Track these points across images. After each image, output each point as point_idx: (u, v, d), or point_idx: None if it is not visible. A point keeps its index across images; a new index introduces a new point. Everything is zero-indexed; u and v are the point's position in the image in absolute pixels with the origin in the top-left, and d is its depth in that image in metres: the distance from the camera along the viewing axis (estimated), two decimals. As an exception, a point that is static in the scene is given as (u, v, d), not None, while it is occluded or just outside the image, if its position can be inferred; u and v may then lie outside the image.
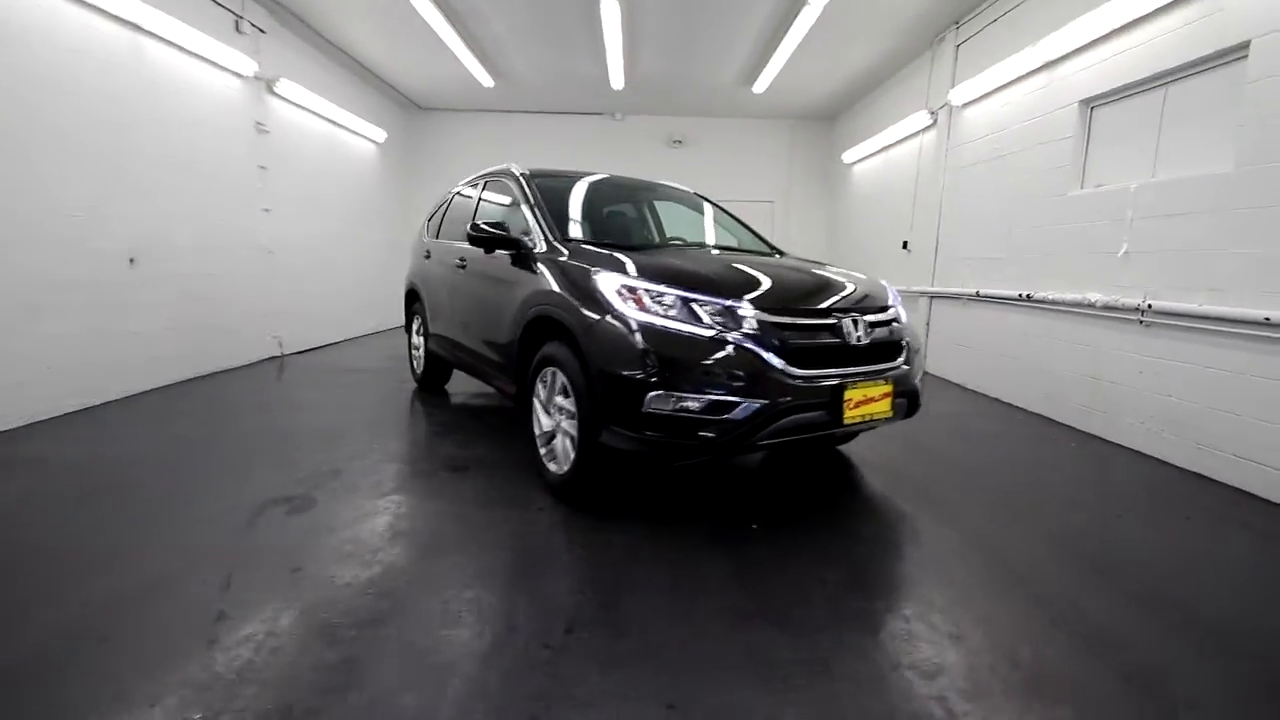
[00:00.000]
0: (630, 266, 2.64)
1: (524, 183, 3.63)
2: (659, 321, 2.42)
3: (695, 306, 2.45)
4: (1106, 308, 4.11)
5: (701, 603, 2.04)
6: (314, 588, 2.05)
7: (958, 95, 6.05)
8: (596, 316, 2.53)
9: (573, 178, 3.92)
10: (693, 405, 2.34)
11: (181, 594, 1.99)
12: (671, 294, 2.47)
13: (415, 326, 5.21)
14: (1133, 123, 4.12)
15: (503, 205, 4.41)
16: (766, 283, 2.67)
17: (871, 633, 1.91)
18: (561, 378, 2.75)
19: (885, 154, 8.07)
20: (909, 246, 7.28)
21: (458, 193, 4.82)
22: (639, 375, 2.36)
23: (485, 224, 3.33)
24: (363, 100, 8.31)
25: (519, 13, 6.28)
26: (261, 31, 6.03)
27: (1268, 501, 3.07)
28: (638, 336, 2.40)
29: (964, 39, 6.11)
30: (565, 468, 2.79)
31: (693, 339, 2.38)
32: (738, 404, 2.35)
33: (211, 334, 5.47)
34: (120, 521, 2.52)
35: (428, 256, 4.84)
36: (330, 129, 7.61)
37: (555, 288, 2.83)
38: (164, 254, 4.88)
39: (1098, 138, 4.45)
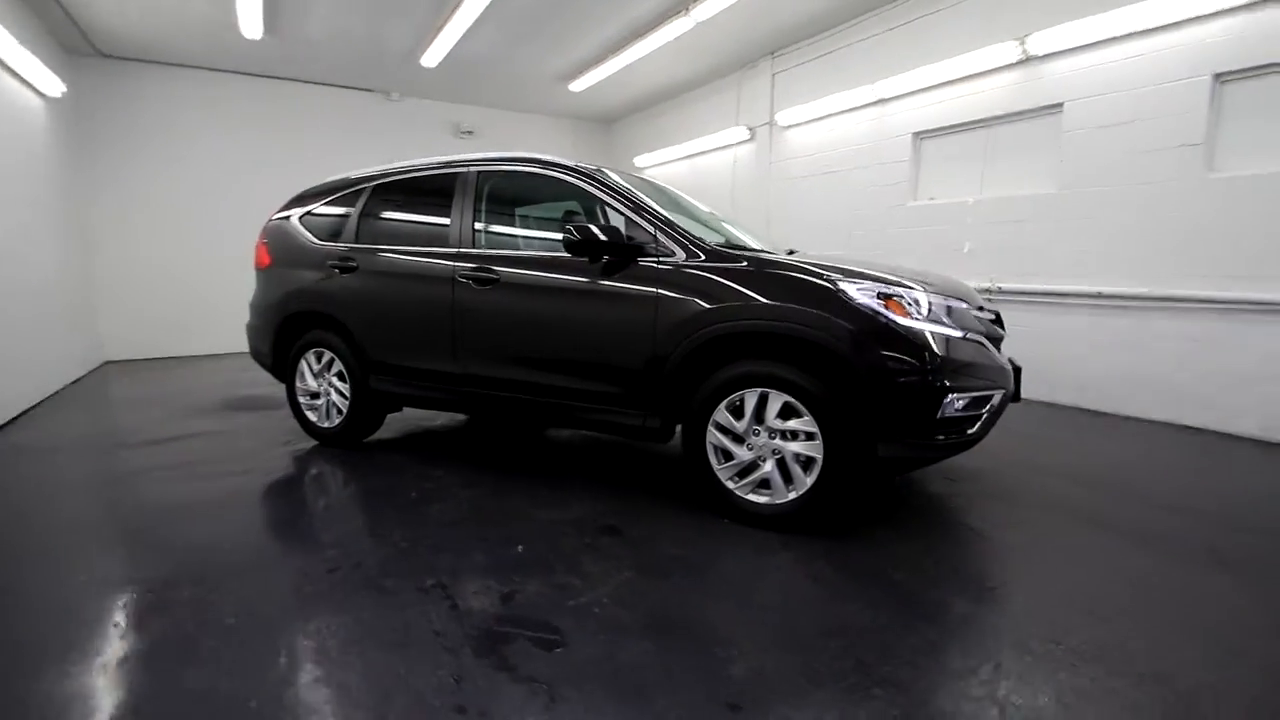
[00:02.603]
0: (866, 273, 2.51)
1: (609, 181, 3.00)
2: (927, 326, 2.39)
3: (937, 308, 2.49)
4: (957, 291, 5.47)
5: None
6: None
7: (784, 118, 7.05)
8: (862, 327, 2.35)
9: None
10: (971, 403, 2.40)
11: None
12: (923, 298, 2.45)
13: (315, 366, 3.73)
14: (960, 152, 5.53)
15: (514, 207, 3.60)
16: (937, 280, 2.85)
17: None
18: (783, 398, 2.47)
19: (692, 161, 8.84)
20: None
21: (383, 184, 3.63)
22: (936, 381, 2.31)
23: (597, 231, 2.70)
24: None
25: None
26: None
27: (1086, 410, 4.63)
28: (925, 342, 2.34)
29: (782, 69, 7.14)
30: (789, 495, 2.51)
31: (955, 339, 2.43)
32: (991, 395, 2.50)
33: None
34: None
35: (344, 270, 3.53)
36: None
37: (768, 300, 2.48)
38: None
39: (927, 161, 5.82)
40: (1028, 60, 4.86)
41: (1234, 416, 4.04)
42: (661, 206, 2.94)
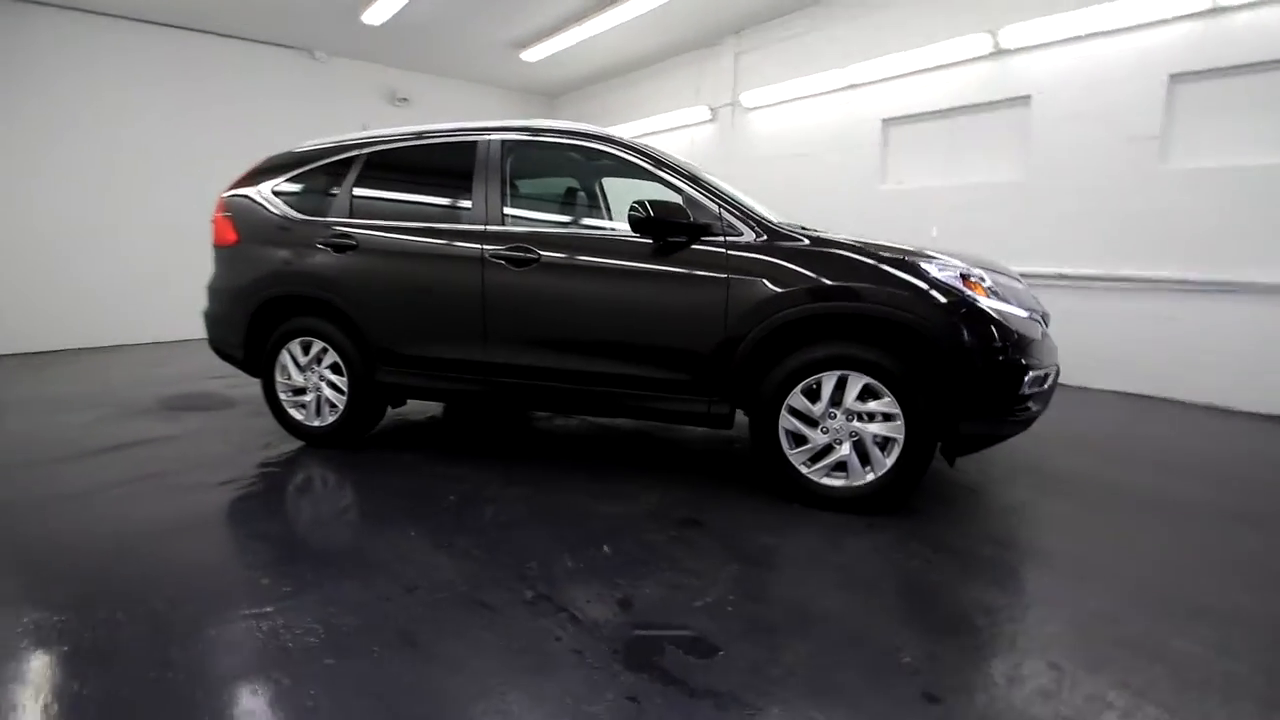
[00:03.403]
0: (939, 254, 2.51)
1: (652, 153, 2.83)
2: (1002, 305, 2.44)
3: (1004, 287, 2.55)
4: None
5: None
6: None
7: (749, 99, 7.04)
8: (948, 307, 2.35)
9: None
10: (1039, 379, 2.49)
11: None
12: (989, 277, 2.50)
13: (301, 357, 3.27)
14: (928, 139, 5.75)
15: (543, 180, 3.34)
16: (984, 262, 2.92)
17: None
18: (863, 380, 2.44)
19: (645, 140, 8.64)
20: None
21: (379, 153, 3.24)
22: (1018, 358, 2.36)
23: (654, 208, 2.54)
24: None
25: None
26: None
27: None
28: (1006, 320, 2.38)
29: (746, 49, 7.12)
30: (867, 477, 2.50)
31: (1024, 317, 2.50)
32: (1049, 372, 2.61)
33: None
34: None
35: (339, 249, 3.12)
36: None
37: (852, 282, 2.43)
38: None
39: (895, 148, 6.02)
40: (999, 53, 5.12)
41: (1180, 386, 4.52)
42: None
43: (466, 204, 3.01)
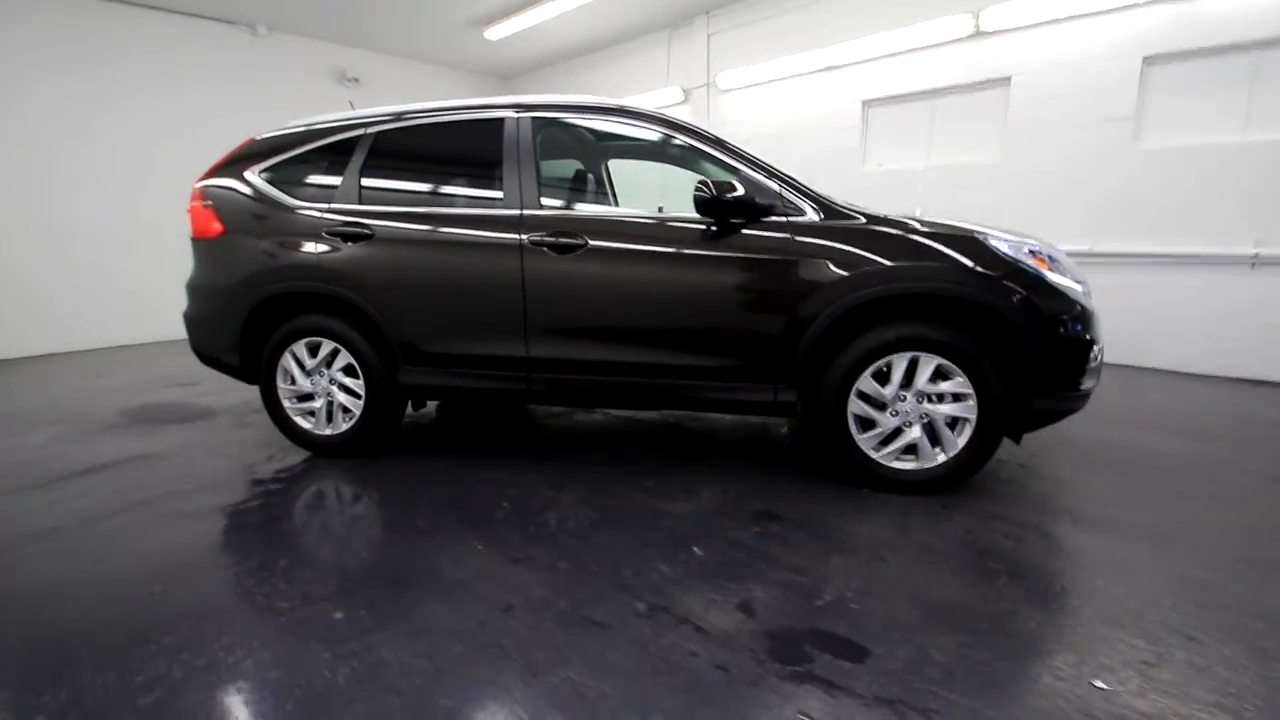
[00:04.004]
0: (1002, 231, 2.49)
1: (704, 131, 2.69)
2: (1066, 280, 2.45)
3: (1059, 263, 2.57)
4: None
5: None
6: None
7: (725, 80, 6.95)
8: (1021, 284, 2.34)
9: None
10: (1100, 353, 2.53)
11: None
12: (1046, 252, 2.51)
13: (308, 360, 2.96)
14: (908, 120, 5.83)
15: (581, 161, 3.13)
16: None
17: None
18: (935, 361, 2.41)
19: (614, 124, 8.43)
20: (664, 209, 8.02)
21: (389, 132, 2.95)
22: (1085, 334, 2.39)
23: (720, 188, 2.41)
24: None
25: None
26: None
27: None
28: (1075, 296, 2.40)
29: (718, 30, 7.01)
30: (938, 459, 2.48)
31: (1082, 291, 2.53)
32: (1103, 347, 2.66)
33: None
34: None
35: (351, 239, 2.82)
36: None
37: (926, 261, 2.39)
38: None
39: (875, 129, 6.08)
40: (979, 35, 5.22)
41: (1148, 354, 4.80)
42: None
43: (494, 187, 2.79)
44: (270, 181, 3.02)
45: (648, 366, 2.67)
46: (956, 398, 2.45)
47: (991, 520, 2.33)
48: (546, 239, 2.65)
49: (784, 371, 2.55)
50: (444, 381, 2.87)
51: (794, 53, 6.29)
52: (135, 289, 6.52)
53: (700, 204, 2.46)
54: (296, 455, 3.10)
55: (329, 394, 2.99)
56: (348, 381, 2.96)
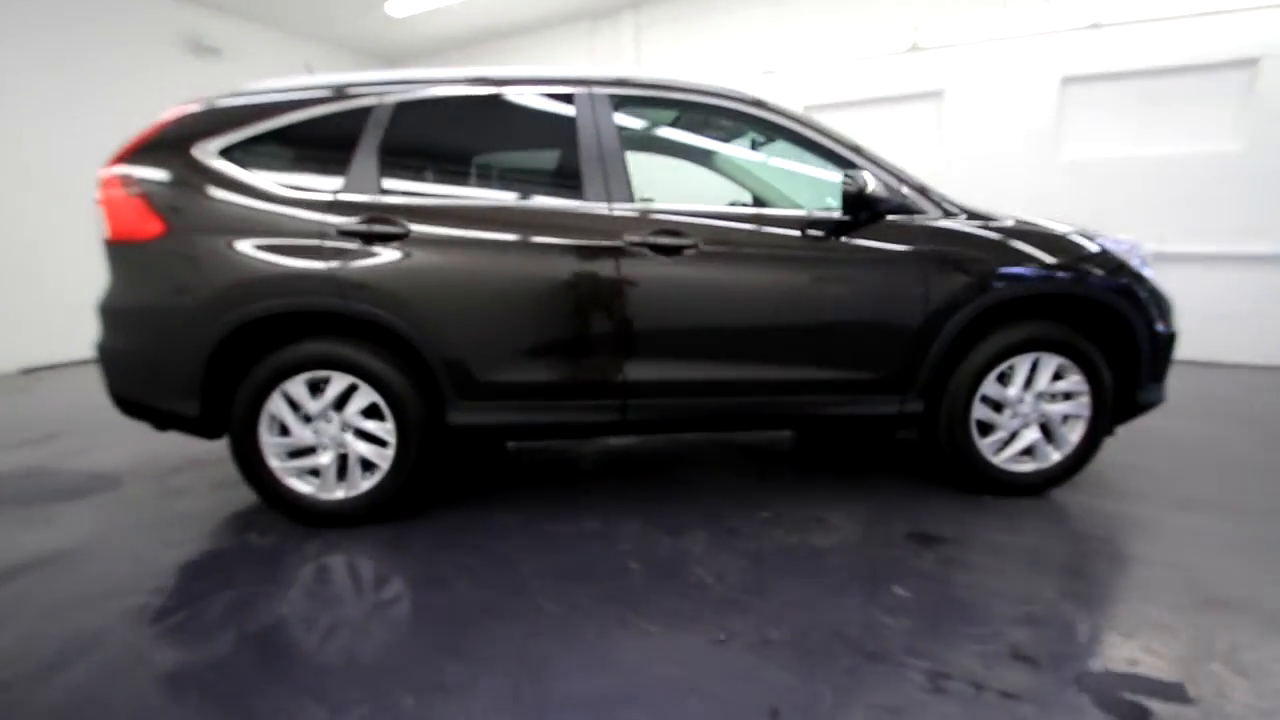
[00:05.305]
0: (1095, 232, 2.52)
1: (814, 121, 2.42)
2: (1155, 276, 2.55)
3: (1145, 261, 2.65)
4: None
5: None
6: None
7: (657, 77, 6.72)
8: (1131, 283, 2.39)
9: None
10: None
11: None
12: (1140, 251, 2.57)
13: (311, 405, 2.19)
14: (848, 129, 6.03)
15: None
16: None
17: None
18: (1055, 361, 2.39)
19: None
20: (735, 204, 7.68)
21: (419, 102, 2.31)
22: (1173, 329, 2.49)
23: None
24: None
25: None
26: None
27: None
28: (1166, 294, 2.49)
29: (647, 24, 6.77)
30: (1054, 458, 2.46)
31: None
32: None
33: None
34: None
35: (376, 240, 2.15)
36: None
37: (1050, 261, 2.34)
38: None
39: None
40: (916, 49, 5.55)
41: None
42: None
43: (569, 177, 2.29)
44: (238, 163, 2.22)
45: (765, 384, 2.35)
46: (1067, 396, 2.45)
47: (1129, 521, 2.33)
48: (650, 239, 2.22)
49: (911, 380, 2.38)
50: (510, 418, 2.30)
51: (730, 56, 6.26)
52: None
53: (849, 200, 2.20)
54: (287, 531, 2.31)
55: (340, 444, 2.27)
56: (369, 426, 2.26)
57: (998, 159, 5.43)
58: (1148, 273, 2.49)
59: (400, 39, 7.53)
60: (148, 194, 2.18)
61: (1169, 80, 4.79)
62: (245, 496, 2.61)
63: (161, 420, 2.29)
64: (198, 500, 2.63)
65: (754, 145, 3.01)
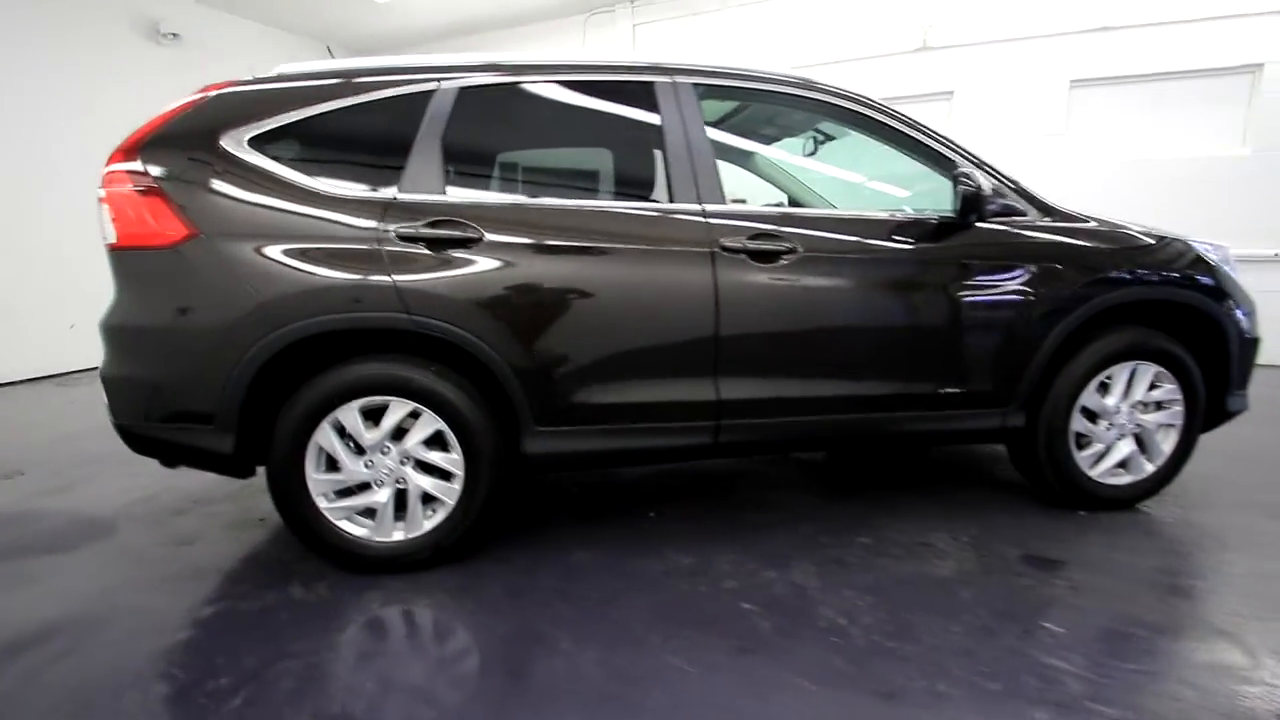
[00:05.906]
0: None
1: (908, 117, 2.29)
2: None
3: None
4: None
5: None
6: None
7: (656, 74, 6.51)
8: (1225, 288, 2.34)
9: None
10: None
11: None
12: (1228, 256, 2.51)
13: (367, 435, 1.89)
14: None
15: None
16: None
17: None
18: (1153, 369, 2.30)
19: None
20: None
21: (486, 87, 2.05)
22: (1257, 335, 2.44)
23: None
24: None
25: None
26: None
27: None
28: (1250, 296, 2.43)
29: (644, 21, 6.55)
30: (1148, 470, 2.37)
31: None
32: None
33: None
34: None
35: (444, 246, 1.87)
36: None
37: (1159, 266, 2.28)
38: None
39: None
40: (925, 49, 5.50)
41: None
42: None
43: (652, 175, 2.08)
44: (274, 156, 1.91)
45: (864, 400, 2.18)
46: (1160, 405, 2.37)
47: (1248, 532, 2.26)
48: (747, 243, 2.01)
49: (1013, 392, 2.24)
50: (592, 445, 2.05)
51: (732, 53, 6.10)
52: None
53: (967, 200, 2.05)
54: (336, 581, 2.01)
55: (399, 479, 1.98)
56: (433, 456, 1.98)
57: (1007, 160, 5.41)
58: (1236, 277, 2.44)
59: (383, 30, 7.09)
60: (170, 191, 1.85)
61: (1176, 84, 4.87)
62: (267, 540, 2.31)
63: (180, 457, 1.96)
64: (212, 547, 2.29)
65: (815, 142, 2.86)
